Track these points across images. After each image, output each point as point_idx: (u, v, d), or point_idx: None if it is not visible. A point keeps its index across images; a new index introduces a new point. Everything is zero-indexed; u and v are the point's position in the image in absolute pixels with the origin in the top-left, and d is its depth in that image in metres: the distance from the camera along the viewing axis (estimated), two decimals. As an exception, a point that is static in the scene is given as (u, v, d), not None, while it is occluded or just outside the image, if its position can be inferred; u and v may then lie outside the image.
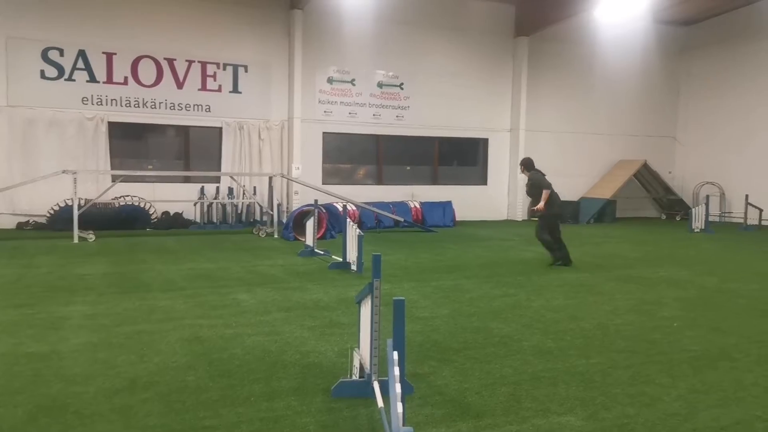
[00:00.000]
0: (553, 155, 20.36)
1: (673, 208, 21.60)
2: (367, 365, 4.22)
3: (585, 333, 6.03)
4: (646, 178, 21.44)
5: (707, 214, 17.08)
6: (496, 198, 20.10)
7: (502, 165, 20.10)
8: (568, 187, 20.31)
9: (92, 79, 15.17)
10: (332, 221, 14.00)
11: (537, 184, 10.22)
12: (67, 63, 14.92)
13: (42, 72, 14.72)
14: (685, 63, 22.11)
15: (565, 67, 20.37)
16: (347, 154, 18.80)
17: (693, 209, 17.57)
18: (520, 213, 19.97)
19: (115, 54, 15.35)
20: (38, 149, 14.68)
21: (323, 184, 17.06)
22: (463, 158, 20.21)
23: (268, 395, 4.22)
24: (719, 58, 20.93)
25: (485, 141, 19.92)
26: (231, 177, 15.88)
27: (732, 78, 20.50)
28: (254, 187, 16.67)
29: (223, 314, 6.51)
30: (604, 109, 21.04)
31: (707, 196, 18.42)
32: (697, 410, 4.11)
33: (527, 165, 10.52)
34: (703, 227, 16.87)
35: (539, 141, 20.05)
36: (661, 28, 21.06)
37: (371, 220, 15.86)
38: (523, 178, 19.75)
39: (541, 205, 10.02)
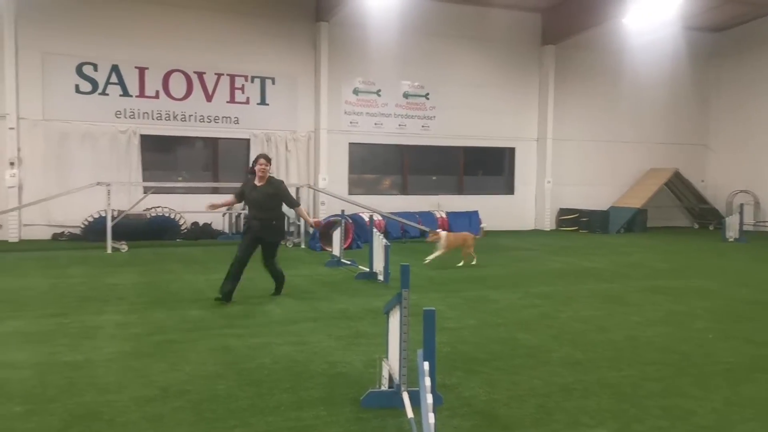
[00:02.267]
0: (581, 164, 20.20)
1: (705, 217, 21.18)
2: (396, 375, 4.23)
3: (615, 344, 5.94)
4: (677, 186, 21.10)
5: (741, 223, 16.73)
6: (522, 207, 19.96)
7: (528, 174, 19.97)
8: (597, 196, 20.13)
9: (125, 93, 15.51)
10: (358, 231, 14.03)
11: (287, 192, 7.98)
12: (101, 78, 15.28)
13: (77, 86, 15.10)
14: (715, 70, 21.75)
15: (593, 74, 20.20)
16: (373, 165, 18.87)
17: (726, 218, 17.22)
18: (548, 222, 19.79)
19: (147, 68, 15.67)
20: (73, 162, 15.02)
21: (349, 194, 17.14)
22: (489, 168, 20.13)
23: (297, 404, 4.24)
24: (750, 65, 20.56)
25: (512, 150, 19.82)
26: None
27: (764, 84, 20.11)
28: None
29: (251, 324, 6.57)
30: (633, 117, 20.78)
31: (741, 205, 18.05)
32: (732, 423, 4.02)
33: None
34: (737, 236, 16.52)
35: (567, 150, 19.89)
36: (690, 34, 20.78)
37: (397, 230, 15.86)
38: (549, 187, 19.82)
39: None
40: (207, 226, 15.91)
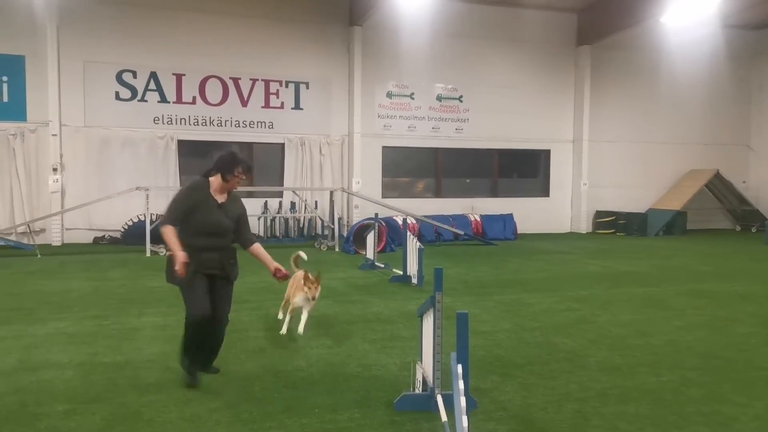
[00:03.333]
0: (618, 166, 19.86)
1: (747, 219, 20.59)
2: (429, 379, 4.22)
3: (654, 349, 5.83)
4: (718, 188, 20.57)
5: (786, 226, 16.22)
6: (558, 210, 19.71)
7: (564, 176, 19.71)
8: (635, 198, 19.76)
9: (163, 99, 15.84)
10: (392, 235, 14.05)
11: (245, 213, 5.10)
12: (139, 84, 15.64)
13: (117, 93, 15.47)
14: (757, 68, 21.16)
15: (630, 75, 19.84)
16: (406, 168, 18.85)
17: (769, 220, 16.71)
18: (584, 225, 19.49)
19: (184, 75, 15.97)
20: (113, 167, 15.39)
21: (383, 197, 17.17)
22: (523, 170, 19.93)
23: (332, 407, 4.27)
24: (796, 62, 19.94)
25: (547, 152, 19.59)
26: (293, 192, 16.18)
27: (810, 82, 19.48)
28: (315, 202, 16.93)
29: (287, 327, 6.62)
30: (671, 117, 20.35)
31: (785, 207, 17.50)
32: (778, 432, 3.90)
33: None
34: (781, 239, 16.03)
35: (603, 151, 19.58)
36: (730, 32, 20.24)
37: (431, 234, 15.84)
38: (585, 190, 19.54)
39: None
40: (242, 229, 16.10)
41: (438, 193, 18.68)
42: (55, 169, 14.87)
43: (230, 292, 4.91)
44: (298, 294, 6.08)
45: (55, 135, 14.84)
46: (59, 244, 14.81)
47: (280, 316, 6.69)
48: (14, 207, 14.70)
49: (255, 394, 4.52)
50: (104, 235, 15.24)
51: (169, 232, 4.57)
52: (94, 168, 15.32)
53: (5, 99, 14.66)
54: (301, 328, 6.04)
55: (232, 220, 4.80)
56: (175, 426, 3.94)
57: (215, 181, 4.82)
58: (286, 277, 4.90)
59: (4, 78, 14.64)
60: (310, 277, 6.01)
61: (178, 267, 4.41)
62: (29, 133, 14.77)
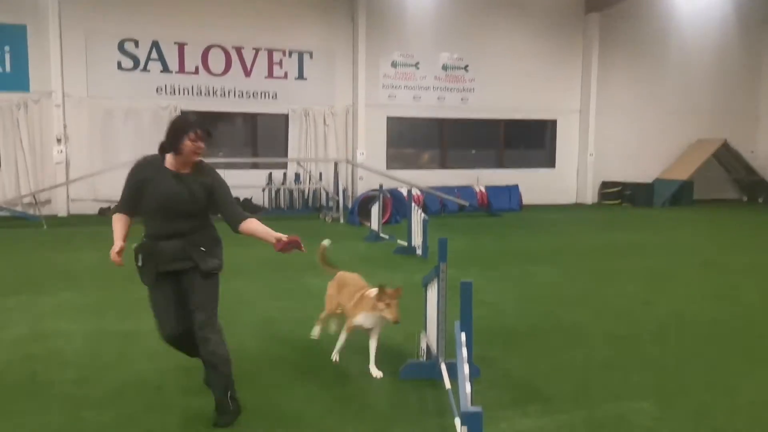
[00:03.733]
0: (625, 136, 19.70)
1: (755, 189, 20.48)
2: (434, 348, 4.25)
3: (659, 320, 5.85)
4: (726, 158, 20.41)
5: (792, 196, 16.13)
6: (564, 181, 19.62)
7: (571, 147, 19.58)
8: (642, 168, 19.64)
9: (165, 69, 15.72)
10: (397, 206, 14.04)
11: (224, 185, 3.81)
12: (141, 54, 15.51)
13: (119, 63, 15.36)
14: (767, 35, 20.82)
15: (639, 43, 19.55)
16: (411, 139, 18.76)
17: (777, 191, 16.62)
18: (590, 196, 19.44)
19: (186, 44, 15.82)
20: (117, 138, 15.34)
21: (387, 168, 17.12)
22: (530, 141, 19.80)
23: (339, 376, 4.32)
24: (807, 30, 19.60)
25: (553, 123, 19.44)
26: (297, 163, 16.14)
27: (822, 50, 19.18)
28: (320, 173, 16.90)
29: (292, 298, 6.68)
30: (680, 86, 20.10)
31: (793, 177, 17.38)
32: (780, 401, 3.93)
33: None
34: (787, 210, 15.96)
35: (611, 121, 19.41)
36: (742, -1, 19.89)
37: (436, 205, 15.82)
38: (592, 160, 19.42)
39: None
40: (247, 201, 16.12)
41: (443, 164, 18.60)
42: (59, 140, 14.85)
43: (208, 291, 3.57)
44: (364, 312, 4.37)
45: (58, 106, 14.78)
46: (65, 215, 14.86)
47: (315, 333, 4.98)
48: (20, 178, 14.72)
49: (261, 363, 4.57)
50: (109, 206, 15.26)
51: (114, 221, 3.71)
52: (98, 139, 15.28)
53: (8, 69, 14.57)
54: (372, 366, 4.33)
55: (196, 193, 3.52)
56: (185, 392, 3.99)
57: (170, 156, 3.61)
58: (287, 247, 3.52)
59: (7, 48, 14.52)
60: (387, 290, 4.28)
61: (112, 258, 3.61)
62: (33, 104, 14.71)
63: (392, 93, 17.66)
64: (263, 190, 16.26)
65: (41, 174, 14.86)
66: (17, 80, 14.60)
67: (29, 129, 14.71)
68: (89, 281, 7.41)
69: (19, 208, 14.06)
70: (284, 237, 3.51)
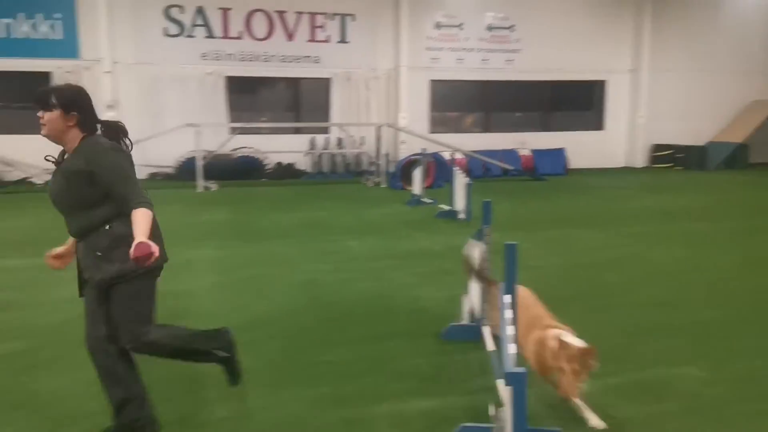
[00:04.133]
0: (677, 96, 18.97)
1: (815, 152, 19.54)
2: (477, 310, 4.25)
3: (709, 285, 5.70)
4: (784, 119, 19.47)
5: None
6: (613, 144, 19.09)
7: (620, 109, 18.98)
8: (694, 130, 18.93)
9: (210, 34, 15.82)
10: (440, 170, 13.94)
11: (110, 168, 2.78)
12: (187, 19, 15.63)
13: (165, 29, 15.53)
14: (837, -12, 19.59)
15: (694, -1, 18.68)
16: (454, 102, 18.49)
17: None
18: (640, 159, 18.89)
19: (230, 9, 15.85)
20: (164, 104, 15.59)
21: (430, 132, 16.96)
22: (577, 103, 19.27)
23: (381, 336, 4.37)
24: None
25: (602, 84, 18.84)
26: (340, 127, 16.14)
27: None
28: (362, 137, 16.86)
29: (335, 260, 6.75)
30: (735, 45, 19.13)
31: None
32: (837, 368, 3.81)
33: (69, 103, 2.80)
34: None
35: (662, 81, 18.68)
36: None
37: (479, 169, 15.64)
38: (643, 123, 18.81)
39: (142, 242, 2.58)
40: (290, 165, 16.27)
41: (487, 127, 18.31)
42: (110, 107, 15.17)
43: (116, 303, 2.85)
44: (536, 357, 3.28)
45: (108, 72, 15.07)
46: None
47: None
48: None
49: (306, 324, 4.66)
50: (159, 171, 15.62)
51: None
52: (146, 105, 15.55)
53: (60, 36, 14.90)
54: (588, 415, 3.10)
55: (62, 182, 2.80)
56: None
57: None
58: (141, 257, 2.52)
59: (58, 15, 14.83)
60: (577, 347, 3.06)
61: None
62: (84, 71, 15.03)
63: (435, 55, 17.38)
64: (305, 155, 16.35)
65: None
66: (68, 47, 14.93)
67: (80, 96, 15.05)
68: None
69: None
70: (144, 243, 2.55)
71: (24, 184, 13.67)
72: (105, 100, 15.09)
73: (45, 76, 14.58)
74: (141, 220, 2.66)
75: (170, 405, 3.30)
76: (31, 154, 14.29)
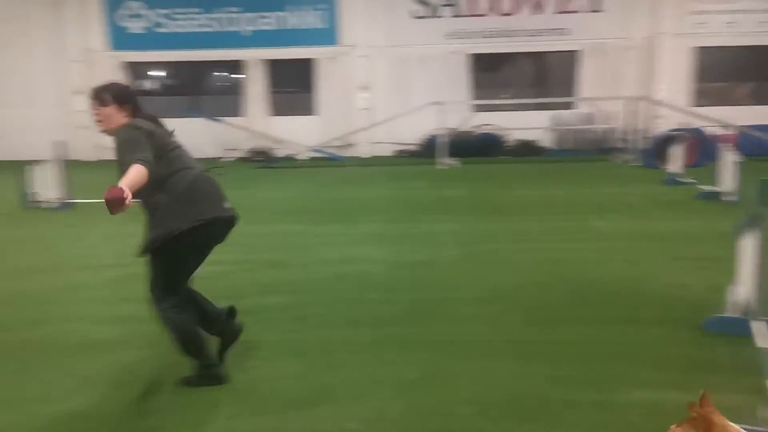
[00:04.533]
0: None
1: None
2: (747, 303, 3.75)
3: None
4: None
5: None
6: None
7: None
8: None
9: (457, 13, 16.10)
10: (702, 147, 12.49)
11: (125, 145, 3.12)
12: (434, 0, 16.10)
13: (412, 12, 16.19)
14: None
15: None
16: (722, 71, 16.35)
17: None
18: None
19: (481, -15, 15.97)
20: (411, 84, 16.31)
21: (693, 106, 15.25)
22: None
23: (632, 320, 4.10)
24: None
25: None
26: (588, 102, 15.31)
27: None
28: (611, 112, 15.79)
29: (580, 239, 6.47)
30: None
31: None
32: None
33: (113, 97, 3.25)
34: None
35: None
36: None
37: (752, 146, 13.63)
38: None
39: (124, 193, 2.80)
40: (532, 143, 15.93)
41: (763, 99, 15.89)
42: (364, 88, 16.34)
43: (151, 266, 3.23)
44: None
45: (363, 56, 16.22)
46: (366, 156, 16.44)
47: None
48: (328, 124, 16.58)
49: (548, 301, 4.54)
50: (404, 149, 16.45)
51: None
52: (395, 86, 16.42)
53: (323, 25, 16.41)
54: None
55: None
56: (470, 321, 4.17)
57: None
58: (110, 198, 2.71)
59: (323, 6, 16.31)
60: None
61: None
62: (341, 57, 16.38)
63: (700, 20, 15.49)
64: (549, 131, 15.87)
65: (346, 120, 16.53)
66: (329, 35, 16.39)
67: (338, 79, 16.45)
68: (387, 215, 8.14)
69: (331, 150, 15.97)
70: (117, 188, 2.75)
71: (290, 160, 15.43)
72: (359, 82, 16.31)
73: (306, 62, 16.27)
74: (130, 171, 2.90)
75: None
76: (297, 133, 16.19)
